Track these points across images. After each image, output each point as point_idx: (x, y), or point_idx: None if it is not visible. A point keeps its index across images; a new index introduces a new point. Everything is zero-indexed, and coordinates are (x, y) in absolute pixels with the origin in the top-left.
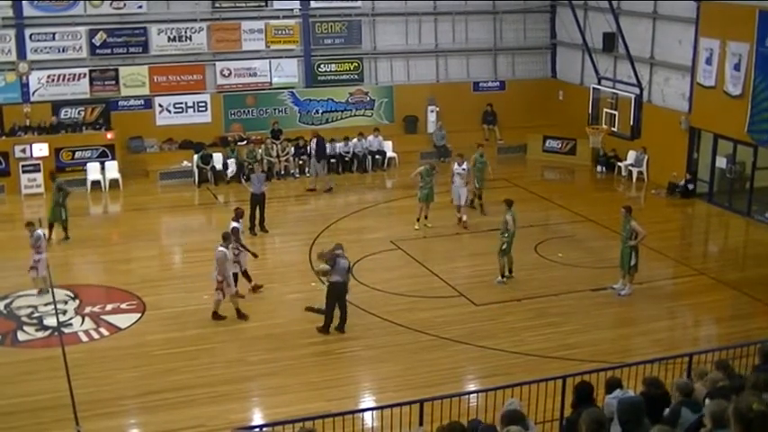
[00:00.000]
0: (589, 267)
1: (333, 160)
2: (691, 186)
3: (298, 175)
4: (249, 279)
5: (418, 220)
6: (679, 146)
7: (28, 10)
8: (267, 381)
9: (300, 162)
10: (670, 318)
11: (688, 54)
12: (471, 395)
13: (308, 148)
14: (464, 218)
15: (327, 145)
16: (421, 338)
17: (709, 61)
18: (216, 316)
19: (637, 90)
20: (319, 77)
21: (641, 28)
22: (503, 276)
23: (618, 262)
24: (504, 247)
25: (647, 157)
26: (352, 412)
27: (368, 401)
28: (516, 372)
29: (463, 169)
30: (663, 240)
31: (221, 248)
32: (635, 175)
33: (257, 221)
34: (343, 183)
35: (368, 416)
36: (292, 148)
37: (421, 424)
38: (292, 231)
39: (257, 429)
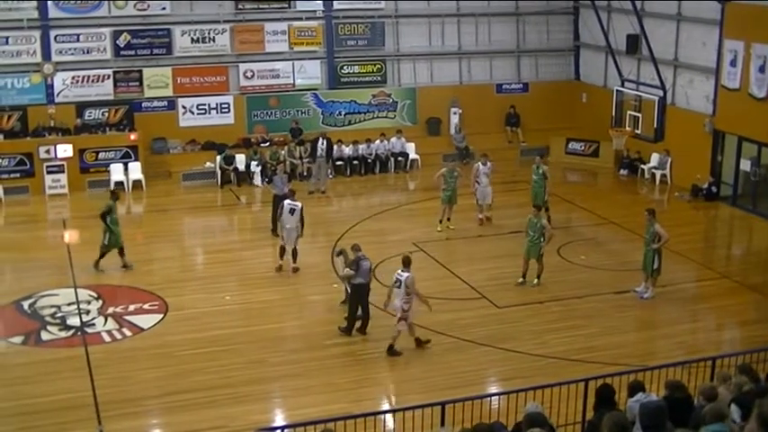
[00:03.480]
0: (612, 270)
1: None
2: (714, 189)
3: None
4: (295, 260)
5: (441, 221)
6: (703, 148)
7: (53, 11)
8: (289, 382)
9: (308, 167)
10: (693, 321)
11: (712, 56)
12: (493, 398)
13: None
14: (488, 215)
15: (346, 148)
16: (443, 340)
17: (733, 63)
18: (392, 350)
19: (660, 92)
20: (342, 79)
21: (665, 30)
22: (538, 277)
23: (641, 265)
24: (542, 252)
25: (670, 160)
26: (374, 414)
27: (390, 403)
28: (538, 374)
29: (489, 168)
30: (686, 243)
31: (408, 273)
32: (658, 178)
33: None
34: (366, 185)
35: (389, 417)
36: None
37: (442, 425)
38: (314, 233)
39: (279, 430)
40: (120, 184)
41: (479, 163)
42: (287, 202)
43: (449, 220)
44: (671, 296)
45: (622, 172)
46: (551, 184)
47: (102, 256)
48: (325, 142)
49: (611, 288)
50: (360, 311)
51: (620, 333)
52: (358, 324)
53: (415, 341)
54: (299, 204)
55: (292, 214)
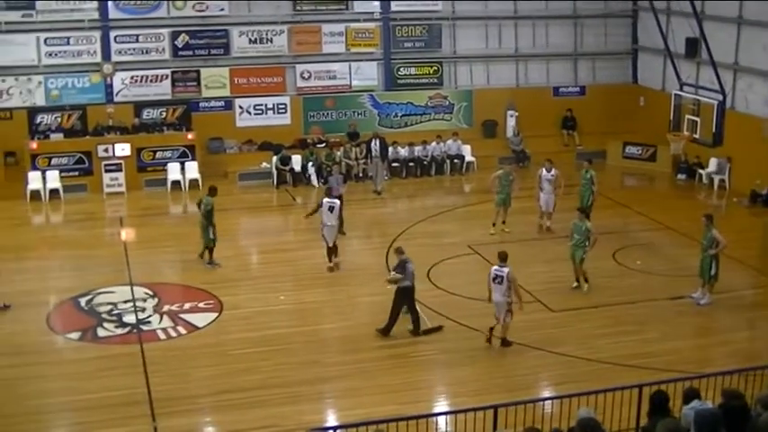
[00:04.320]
0: (667, 276)
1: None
2: None
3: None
4: (336, 254)
5: (494, 225)
6: (763, 154)
7: (113, 12)
8: (341, 383)
9: (364, 167)
10: (750, 328)
11: None
12: (546, 402)
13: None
14: (548, 224)
15: (402, 149)
16: (496, 343)
17: None
18: (505, 342)
19: (720, 96)
20: (399, 81)
21: (725, 33)
22: (586, 281)
23: (697, 271)
24: (584, 256)
25: (729, 166)
26: (426, 416)
27: (442, 405)
28: (591, 379)
29: (552, 175)
30: (744, 250)
31: (508, 268)
32: (716, 183)
33: None
34: (422, 186)
35: (441, 420)
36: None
37: (494, 429)
38: (369, 234)
39: (331, 431)
40: (177, 183)
41: (543, 169)
42: (325, 200)
43: (504, 222)
44: (728, 303)
45: (680, 177)
46: (598, 190)
47: (211, 251)
48: (378, 142)
49: (666, 294)
50: (407, 314)
51: (675, 339)
52: (410, 326)
53: (503, 341)
54: (338, 202)
55: (332, 212)
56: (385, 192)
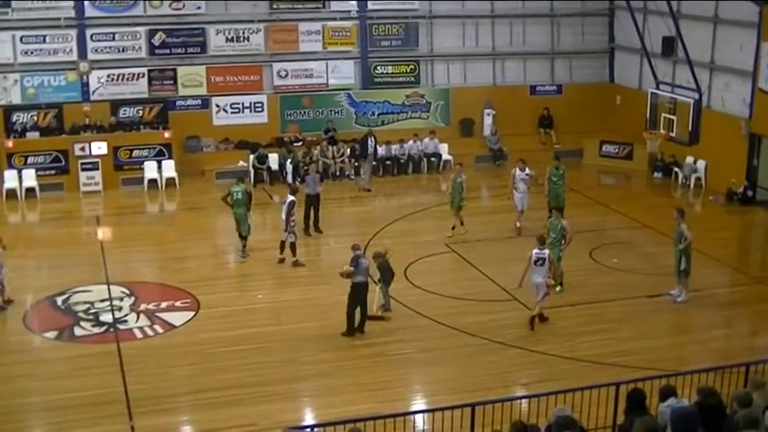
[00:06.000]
0: (644, 274)
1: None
2: (750, 193)
3: (353, 177)
4: (294, 253)
5: (462, 224)
6: (739, 152)
7: (89, 10)
8: (318, 381)
9: (356, 164)
10: (727, 326)
11: (749, 59)
12: (523, 400)
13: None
14: (519, 224)
15: (379, 148)
16: (474, 342)
17: None
18: (542, 318)
19: (696, 95)
20: (376, 79)
21: (701, 32)
22: (561, 284)
23: (673, 268)
24: (561, 254)
25: (703, 165)
26: (403, 414)
27: (419, 404)
28: (569, 377)
29: (527, 174)
30: (721, 248)
31: (548, 250)
32: (692, 182)
33: (312, 222)
34: (399, 185)
35: (419, 418)
36: (348, 150)
37: (472, 428)
38: (346, 232)
39: (308, 429)
40: (153, 181)
41: (516, 168)
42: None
43: (462, 224)
44: (705, 301)
45: (656, 175)
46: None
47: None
48: (373, 140)
49: (643, 291)
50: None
51: (652, 337)
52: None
53: (540, 317)
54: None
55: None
56: (362, 190)
